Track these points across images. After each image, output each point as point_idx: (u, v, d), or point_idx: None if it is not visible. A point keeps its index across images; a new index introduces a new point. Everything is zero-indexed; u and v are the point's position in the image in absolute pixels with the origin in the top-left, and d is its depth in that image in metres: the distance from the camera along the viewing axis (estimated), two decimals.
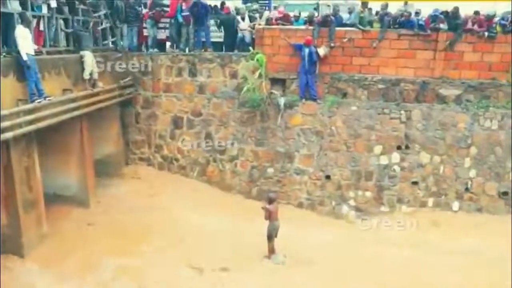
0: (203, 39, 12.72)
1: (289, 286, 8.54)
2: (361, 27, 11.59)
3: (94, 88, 10.84)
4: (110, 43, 12.70)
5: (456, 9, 11.26)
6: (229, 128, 12.35)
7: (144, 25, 13.33)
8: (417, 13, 11.62)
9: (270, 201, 9.30)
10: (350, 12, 11.86)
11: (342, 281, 8.64)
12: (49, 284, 8.15)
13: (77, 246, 9.29)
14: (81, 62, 10.46)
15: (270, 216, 9.14)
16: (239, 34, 12.65)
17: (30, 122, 8.67)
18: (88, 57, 10.51)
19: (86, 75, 10.52)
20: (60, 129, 10.06)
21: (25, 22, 8.67)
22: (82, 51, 10.49)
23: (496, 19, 11.41)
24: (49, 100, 9.09)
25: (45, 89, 9.07)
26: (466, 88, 11.30)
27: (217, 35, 13.30)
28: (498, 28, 11.22)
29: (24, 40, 8.50)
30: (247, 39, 12.58)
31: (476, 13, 11.27)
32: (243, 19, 12.66)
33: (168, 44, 13.79)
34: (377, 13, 12.12)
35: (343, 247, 9.90)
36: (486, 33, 11.07)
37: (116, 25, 12.56)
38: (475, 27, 11.14)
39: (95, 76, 10.79)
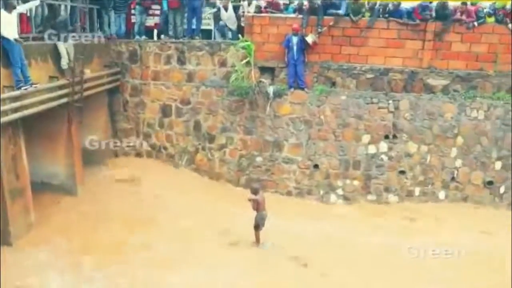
0: (194, 27, 12.64)
1: (274, 272, 8.62)
2: (352, 17, 11.51)
3: (76, 78, 10.32)
4: (98, 29, 12.56)
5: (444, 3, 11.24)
6: (218, 117, 12.33)
7: (133, 11, 13.17)
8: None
9: (255, 191, 9.29)
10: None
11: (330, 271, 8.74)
12: (37, 273, 8.11)
13: (65, 235, 9.26)
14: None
15: (257, 206, 9.19)
16: (221, 23, 12.59)
17: (16, 110, 8.58)
18: (62, 46, 10.04)
19: (64, 65, 10.12)
20: (48, 116, 9.96)
21: (8, 7, 8.50)
22: (57, 41, 9.99)
23: (485, 10, 11.48)
24: (35, 87, 8.99)
25: (32, 76, 8.95)
26: (453, 79, 11.39)
27: (206, 22, 13.22)
28: (489, 20, 11.29)
29: (8, 25, 8.35)
30: (232, 27, 12.48)
31: (464, 3, 11.30)
32: (225, 8, 12.53)
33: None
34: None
35: (332, 238, 9.99)
36: (476, 23, 11.12)
37: (104, 12, 12.40)
38: (464, 17, 11.19)
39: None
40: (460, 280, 8.44)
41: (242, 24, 12.37)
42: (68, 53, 10.16)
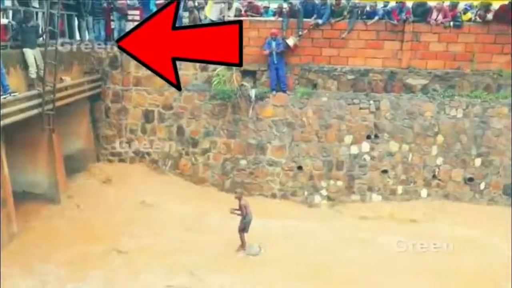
0: None
1: (263, 275, 8.65)
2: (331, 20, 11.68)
3: (45, 88, 9.75)
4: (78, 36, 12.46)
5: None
6: (201, 121, 12.32)
7: (112, 17, 13.08)
8: (385, 6, 11.82)
9: (239, 197, 9.47)
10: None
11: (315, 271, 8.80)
12: (19, 283, 8.01)
13: (48, 244, 9.15)
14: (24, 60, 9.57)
15: (245, 211, 9.27)
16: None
17: None
18: (30, 54, 9.51)
19: (32, 74, 9.64)
20: (28, 125, 9.84)
21: None
22: (24, 49, 9.55)
23: (461, 9, 11.71)
24: (14, 95, 8.88)
25: (10, 84, 8.84)
26: (432, 78, 11.60)
27: None
28: (465, 17, 11.51)
29: None
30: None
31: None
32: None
33: None
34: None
35: (316, 238, 10.06)
36: (452, 23, 11.34)
37: (81, 18, 12.29)
38: (440, 17, 11.39)
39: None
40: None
41: None
42: (36, 60, 9.64)
